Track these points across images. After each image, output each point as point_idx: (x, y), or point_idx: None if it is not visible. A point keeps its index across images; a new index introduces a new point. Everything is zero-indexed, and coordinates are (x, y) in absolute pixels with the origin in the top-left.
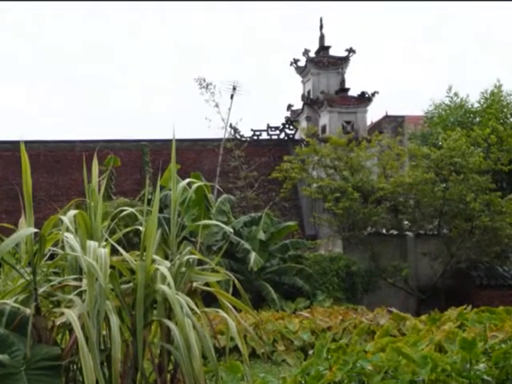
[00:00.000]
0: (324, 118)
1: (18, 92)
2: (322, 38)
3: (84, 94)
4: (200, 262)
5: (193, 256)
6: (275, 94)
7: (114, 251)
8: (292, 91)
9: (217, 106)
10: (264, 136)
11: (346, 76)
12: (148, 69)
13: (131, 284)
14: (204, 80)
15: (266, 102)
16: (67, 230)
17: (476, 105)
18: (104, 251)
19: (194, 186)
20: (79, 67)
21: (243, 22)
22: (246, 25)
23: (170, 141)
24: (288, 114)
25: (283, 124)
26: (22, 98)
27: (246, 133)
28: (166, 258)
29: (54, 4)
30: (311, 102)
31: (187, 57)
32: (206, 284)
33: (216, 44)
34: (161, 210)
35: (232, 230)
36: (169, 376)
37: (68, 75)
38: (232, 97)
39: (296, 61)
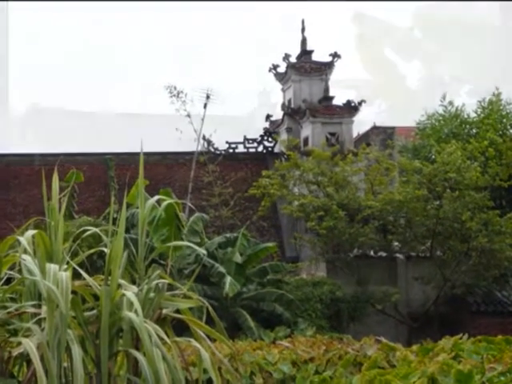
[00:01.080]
0: (306, 130)
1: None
2: (303, 41)
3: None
4: (170, 287)
5: (162, 280)
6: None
7: (76, 275)
8: (272, 100)
9: (188, 115)
10: (240, 149)
11: (331, 83)
12: (148, 69)
13: (95, 311)
14: (175, 88)
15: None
16: (25, 251)
17: (472, 115)
18: (65, 275)
19: (164, 203)
20: (78, 68)
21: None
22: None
23: (137, 154)
24: (267, 124)
25: (261, 136)
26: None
27: (221, 145)
28: (133, 282)
29: (53, 4)
30: (292, 112)
31: (186, 57)
32: (177, 311)
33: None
34: (127, 230)
35: (205, 252)
36: None
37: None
38: (205, 106)
39: (275, 66)
